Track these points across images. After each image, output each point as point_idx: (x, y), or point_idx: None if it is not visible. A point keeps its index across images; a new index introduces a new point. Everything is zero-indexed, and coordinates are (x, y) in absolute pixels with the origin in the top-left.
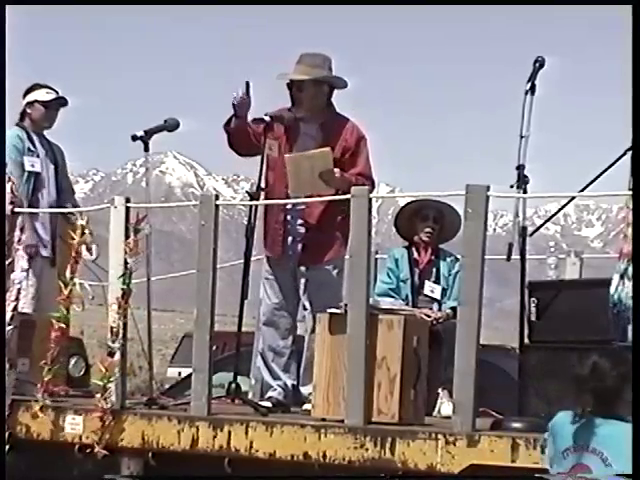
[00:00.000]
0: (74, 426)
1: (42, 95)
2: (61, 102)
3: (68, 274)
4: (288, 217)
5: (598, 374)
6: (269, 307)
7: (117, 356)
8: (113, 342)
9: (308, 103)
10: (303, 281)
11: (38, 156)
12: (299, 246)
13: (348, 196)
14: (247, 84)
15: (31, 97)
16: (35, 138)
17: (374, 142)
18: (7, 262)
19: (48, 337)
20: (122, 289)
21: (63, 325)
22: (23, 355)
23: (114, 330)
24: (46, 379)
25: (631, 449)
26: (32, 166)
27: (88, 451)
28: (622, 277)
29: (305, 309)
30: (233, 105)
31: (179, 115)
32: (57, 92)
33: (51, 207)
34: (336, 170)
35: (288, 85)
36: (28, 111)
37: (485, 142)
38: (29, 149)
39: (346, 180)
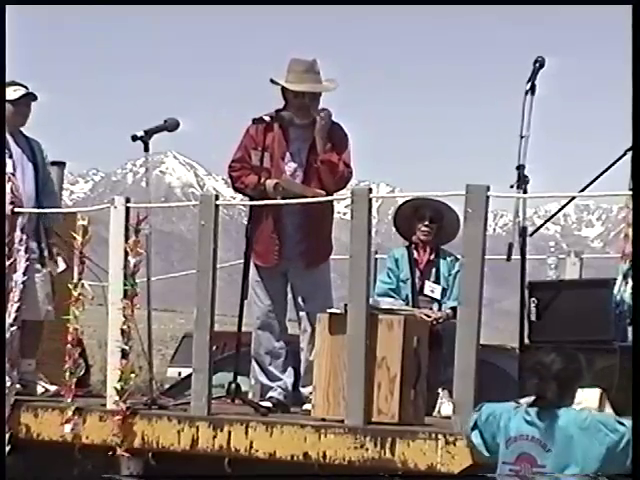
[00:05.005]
0: (74, 426)
1: (9, 94)
2: (30, 98)
3: (76, 275)
4: (284, 223)
5: (541, 369)
6: (263, 310)
7: (131, 357)
8: (126, 344)
9: (305, 108)
10: (299, 283)
11: (11, 157)
12: (296, 250)
13: (348, 196)
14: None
15: None
16: (9, 138)
17: (374, 141)
18: (8, 263)
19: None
20: (129, 290)
21: (79, 327)
22: (30, 356)
23: (125, 332)
24: (70, 383)
25: (565, 431)
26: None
27: (110, 454)
28: (625, 278)
29: (302, 310)
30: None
31: (179, 115)
32: (26, 87)
33: (28, 205)
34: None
35: (282, 90)
36: None
37: (485, 142)
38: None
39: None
